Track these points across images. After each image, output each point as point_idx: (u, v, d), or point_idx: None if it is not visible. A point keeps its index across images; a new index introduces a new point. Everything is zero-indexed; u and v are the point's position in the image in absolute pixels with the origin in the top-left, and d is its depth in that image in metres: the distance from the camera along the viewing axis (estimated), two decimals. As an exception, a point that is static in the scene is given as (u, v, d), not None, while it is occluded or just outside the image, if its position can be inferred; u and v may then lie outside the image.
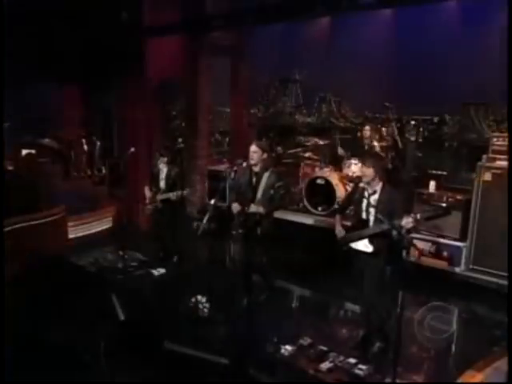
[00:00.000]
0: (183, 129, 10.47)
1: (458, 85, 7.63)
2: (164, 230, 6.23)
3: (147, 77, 7.45)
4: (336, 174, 6.80)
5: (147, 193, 6.19)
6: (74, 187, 6.87)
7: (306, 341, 4.33)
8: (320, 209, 6.74)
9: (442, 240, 5.77)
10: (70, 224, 6.63)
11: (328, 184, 6.65)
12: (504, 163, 5.22)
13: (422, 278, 5.25)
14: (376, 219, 4.05)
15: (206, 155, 8.59)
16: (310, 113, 10.10)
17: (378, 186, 4.10)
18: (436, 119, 8.47)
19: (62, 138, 6.93)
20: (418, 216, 3.74)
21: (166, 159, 6.02)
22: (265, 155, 4.85)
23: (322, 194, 6.70)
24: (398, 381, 3.64)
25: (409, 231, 3.75)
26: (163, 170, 6.10)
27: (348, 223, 4.43)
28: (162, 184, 6.10)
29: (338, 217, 4.51)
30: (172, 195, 5.84)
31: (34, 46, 6.26)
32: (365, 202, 4.15)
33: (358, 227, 4.19)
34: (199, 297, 5.12)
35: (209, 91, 8.51)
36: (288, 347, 4.17)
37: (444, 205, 5.49)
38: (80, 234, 6.93)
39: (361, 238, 4.12)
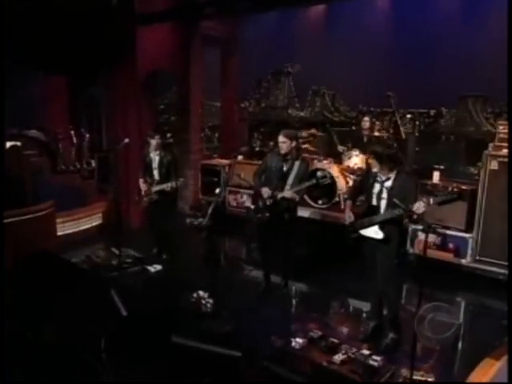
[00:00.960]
0: (171, 123, 10.44)
1: (456, 77, 7.70)
2: (159, 224, 6.16)
3: (137, 67, 7.32)
4: (336, 166, 6.81)
5: (142, 185, 6.10)
6: (62, 181, 6.72)
7: (316, 334, 4.31)
8: (320, 202, 6.74)
9: (447, 231, 5.82)
10: (58, 220, 6.48)
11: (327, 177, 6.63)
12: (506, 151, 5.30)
13: (427, 270, 5.33)
14: (388, 205, 4.07)
15: (198, 150, 8.53)
16: (304, 106, 10.09)
17: (392, 173, 4.11)
18: (433, 112, 8.60)
19: (49, 130, 6.78)
20: (431, 201, 3.77)
21: (155, 142, 5.90)
22: (294, 143, 5.00)
23: (322, 186, 6.67)
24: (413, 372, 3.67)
25: (420, 217, 3.79)
26: (155, 158, 6.02)
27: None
28: (156, 173, 6.03)
29: (348, 202, 4.54)
30: (166, 186, 5.78)
31: (15, 32, 6.07)
32: (377, 188, 4.16)
33: (369, 214, 4.20)
34: (201, 292, 5.11)
35: (200, 83, 8.48)
36: (299, 340, 4.14)
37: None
38: (69, 231, 6.78)
39: (372, 224, 4.13)
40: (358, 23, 8.82)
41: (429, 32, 7.98)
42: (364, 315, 4.90)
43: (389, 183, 4.10)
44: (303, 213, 6.67)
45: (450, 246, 5.80)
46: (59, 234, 6.56)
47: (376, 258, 4.19)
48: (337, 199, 6.62)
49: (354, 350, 4.07)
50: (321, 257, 6.43)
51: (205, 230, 7.09)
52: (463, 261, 5.71)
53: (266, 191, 5.04)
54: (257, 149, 10.01)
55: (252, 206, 7.35)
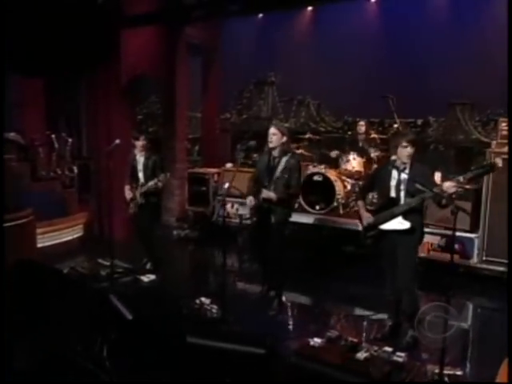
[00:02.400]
0: (152, 133, 10.36)
1: (444, 86, 7.99)
2: (144, 230, 6.04)
3: (121, 70, 7.28)
4: (333, 170, 6.90)
5: (128, 192, 5.99)
6: (42, 189, 6.52)
7: (333, 333, 4.28)
8: (318, 207, 6.78)
9: (451, 232, 5.93)
10: (38, 231, 6.26)
11: (325, 181, 6.72)
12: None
13: (433, 273, 5.43)
14: (408, 195, 4.14)
15: (183, 158, 8.48)
16: (288, 117, 10.22)
17: (408, 163, 4.21)
18: (420, 122, 8.88)
19: (29, 134, 6.58)
20: (461, 178, 3.84)
21: (141, 143, 5.83)
22: (284, 138, 4.82)
23: (319, 191, 6.76)
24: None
25: (451, 196, 3.86)
26: (140, 160, 5.94)
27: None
28: (141, 176, 5.95)
29: (360, 203, 4.57)
30: (151, 184, 5.70)
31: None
32: (394, 179, 4.23)
33: (387, 207, 4.25)
34: (203, 299, 5.04)
35: (186, 89, 8.49)
36: (317, 340, 4.09)
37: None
38: (50, 243, 6.55)
39: (393, 216, 4.18)
40: (343, 32, 9.05)
41: (416, 41, 8.29)
42: (374, 318, 4.90)
43: (406, 172, 4.19)
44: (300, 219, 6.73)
45: (456, 246, 5.91)
46: (39, 245, 6.32)
47: (397, 253, 4.22)
48: (335, 204, 6.68)
49: (376, 347, 4.05)
50: (322, 262, 6.46)
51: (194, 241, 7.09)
52: (470, 262, 5.83)
53: (249, 200, 4.91)
54: (241, 161, 10.05)
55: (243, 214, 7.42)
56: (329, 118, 9.97)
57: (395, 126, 7.21)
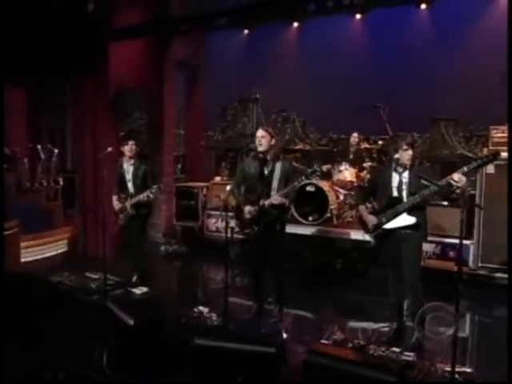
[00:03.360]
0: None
1: (428, 102, 8.27)
2: (133, 243, 6.00)
3: (109, 80, 7.33)
4: (325, 181, 7.02)
5: (116, 203, 5.96)
6: (27, 201, 6.42)
7: (339, 336, 4.30)
8: (311, 218, 6.86)
9: (446, 240, 6.10)
10: (22, 245, 6.14)
11: (318, 191, 6.83)
12: (506, 154, 5.75)
13: (429, 281, 5.54)
14: (410, 194, 4.28)
15: (171, 172, 8.50)
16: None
17: (408, 166, 4.37)
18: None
19: (12, 144, 6.50)
20: (465, 168, 3.99)
21: (129, 148, 5.80)
22: (273, 141, 4.76)
23: (312, 202, 6.85)
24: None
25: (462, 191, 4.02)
26: (128, 170, 5.91)
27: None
28: (130, 186, 5.91)
29: (362, 207, 4.68)
30: (143, 196, 5.68)
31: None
32: (396, 180, 4.37)
33: (391, 206, 4.37)
34: (201, 307, 5.00)
35: (174, 102, 8.58)
36: (324, 342, 4.11)
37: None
38: (33, 258, 6.41)
39: (397, 213, 4.30)
40: (328, 48, 9.30)
41: (400, 58, 8.60)
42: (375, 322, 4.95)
43: (406, 175, 4.35)
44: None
45: (451, 254, 6.06)
46: (22, 260, 6.20)
47: (402, 251, 4.33)
48: (328, 215, 6.77)
49: (383, 348, 4.09)
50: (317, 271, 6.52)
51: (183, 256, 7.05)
52: (465, 269, 5.95)
53: (248, 211, 4.77)
54: (225, 178, 10.11)
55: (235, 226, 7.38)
56: (314, 134, 10.17)
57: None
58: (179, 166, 11.11)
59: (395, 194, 4.38)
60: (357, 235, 6.46)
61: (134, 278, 5.97)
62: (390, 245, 4.47)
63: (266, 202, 4.69)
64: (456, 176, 3.99)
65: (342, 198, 6.97)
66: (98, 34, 6.81)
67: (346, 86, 8.89)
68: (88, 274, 6.14)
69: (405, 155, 4.36)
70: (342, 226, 6.76)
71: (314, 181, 6.90)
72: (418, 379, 3.68)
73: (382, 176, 4.54)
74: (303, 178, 4.75)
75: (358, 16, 8.95)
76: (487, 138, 6.31)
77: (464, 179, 3.98)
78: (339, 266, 6.67)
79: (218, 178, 8.33)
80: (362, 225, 4.62)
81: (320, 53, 9.35)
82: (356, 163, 7.09)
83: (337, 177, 7.02)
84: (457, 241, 5.93)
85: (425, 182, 4.04)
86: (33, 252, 6.45)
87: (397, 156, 4.37)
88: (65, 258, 6.95)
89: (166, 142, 8.38)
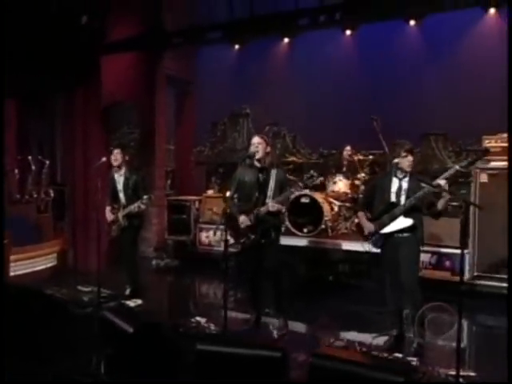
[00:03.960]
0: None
1: (417, 118, 8.44)
2: (126, 254, 5.98)
3: (101, 92, 7.38)
4: (319, 193, 7.09)
5: (109, 214, 5.95)
6: (16, 212, 6.36)
7: (340, 343, 4.34)
8: (305, 230, 6.90)
9: (442, 250, 6.19)
10: (11, 258, 6.07)
11: (313, 203, 6.89)
12: (499, 164, 5.90)
13: (426, 291, 5.59)
14: (407, 200, 4.38)
15: (162, 186, 8.51)
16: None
17: (408, 173, 4.47)
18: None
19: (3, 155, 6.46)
20: (457, 166, 4.12)
21: (119, 157, 5.82)
22: (268, 148, 4.86)
23: (306, 214, 6.90)
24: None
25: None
26: (119, 180, 5.93)
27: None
28: (122, 196, 5.92)
29: (361, 213, 4.76)
30: (133, 207, 5.69)
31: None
32: (395, 186, 4.47)
33: (388, 211, 4.45)
34: (198, 318, 5.01)
35: (165, 115, 8.65)
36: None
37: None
38: (22, 272, 6.33)
39: (393, 218, 4.38)
40: (319, 64, 9.46)
41: (390, 74, 8.78)
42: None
43: (405, 181, 4.45)
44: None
45: (446, 263, 6.14)
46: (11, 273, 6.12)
47: (399, 255, 4.39)
48: (323, 226, 6.82)
49: (386, 354, 4.13)
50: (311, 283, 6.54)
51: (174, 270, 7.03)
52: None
53: (243, 220, 4.78)
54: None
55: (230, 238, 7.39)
56: (305, 150, 10.28)
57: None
58: (168, 181, 11.13)
59: (393, 199, 4.48)
60: (351, 246, 6.55)
61: (128, 291, 5.93)
62: (387, 250, 4.55)
63: (262, 209, 4.73)
64: (440, 181, 4.14)
65: (336, 209, 7.04)
66: (91, 46, 6.87)
67: (337, 102, 9.02)
68: (80, 288, 6.11)
69: (405, 162, 4.48)
70: (336, 238, 6.81)
71: (308, 192, 6.99)
72: (424, 381, 3.73)
73: (381, 181, 4.64)
74: (300, 184, 4.82)
75: (348, 32, 9.11)
76: (479, 147, 6.45)
77: (443, 181, 4.13)
78: (332, 278, 6.73)
79: (210, 191, 8.35)
80: (360, 231, 4.69)
81: (310, 68, 9.46)
82: (350, 175, 7.19)
83: (331, 188, 7.09)
84: (453, 250, 6.15)
85: (422, 184, 4.14)
86: (22, 265, 6.37)
87: (396, 161, 4.47)
88: (54, 273, 6.86)
89: (158, 156, 8.42)
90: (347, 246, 6.59)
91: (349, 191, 7.06)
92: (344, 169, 7.44)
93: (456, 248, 6.16)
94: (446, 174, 4.22)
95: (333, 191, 7.06)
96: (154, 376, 3.66)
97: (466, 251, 6.07)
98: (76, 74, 6.89)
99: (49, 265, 6.83)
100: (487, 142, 6.17)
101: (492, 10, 7.87)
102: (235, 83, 10.31)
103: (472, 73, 8.03)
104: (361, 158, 7.29)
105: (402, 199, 4.43)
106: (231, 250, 7.36)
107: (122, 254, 5.99)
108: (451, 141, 8.78)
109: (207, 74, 10.22)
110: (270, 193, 4.79)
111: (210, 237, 7.76)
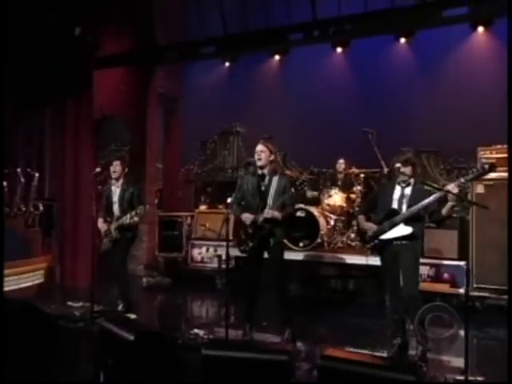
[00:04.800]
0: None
1: (408, 135, 8.63)
2: (117, 268, 5.97)
3: (93, 106, 7.45)
4: (314, 207, 7.20)
5: (101, 226, 5.96)
6: (5, 226, 6.30)
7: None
8: (301, 244, 6.97)
9: (440, 262, 6.30)
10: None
11: (308, 216, 6.98)
12: (495, 174, 6.06)
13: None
14: (408, 208, 4.49)
15: (154, 202, 8.53)
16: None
17: (412, 180, 4.61)
18: (386, 170, 9.48)
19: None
20: (462, 179, 4.23)
21: (118, 168, 5.86)
22: (272, 156, 4.97)
23: (302, 228, 6.98)
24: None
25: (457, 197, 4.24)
26: (115, 191, 5.95)
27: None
28: (116, 208, 5.93)
29: (361, 217, 4.85)
30: (125, 218, 5.70)
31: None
32: (397, 193, 4.58)
33: (388, 217, 4.56)
34: (196, 330, 5.01)
35: (157, 130, 8.73)
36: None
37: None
38: (6, 289, 6.22)
39: (393, 225, 4.48)
40: (310, 82, 9.67)
41: (381, 91, 9.02)
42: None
43: (409, 188, 4.58)
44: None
45: (445, 276, 6.24)
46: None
47: (399, 262, 4.48)
48: (319, 240, 6.90)
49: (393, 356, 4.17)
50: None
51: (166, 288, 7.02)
52: (461, 290, 6.13)
53: (246, 217, 4.89)
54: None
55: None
56: (295, 168, 10.41)
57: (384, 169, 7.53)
58: (156, 200, 11.15)
59: (394, 205, 4.58)
60: (350, 260, 6.64)
61: (120, 307, 5.89)
62: (387, 257, 4.63)
63: (261, 217, 4.83)
64: (450, 186, 4.23)
65: (332, 223, 7.13)
66: (84, 59, 6.96)
67: (328, 119, 9.19)
68: (70, 303, 6.06)
69: (401, 172, 4.62)
70: (333, 252, 6.90)
71: (303, 206, 7.09)
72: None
73: (384, 188, 4.75)
74: (292, 189, 5.05)
75: (339, 49, 9.36)
76: (475, 159, 6.61)
77: (456, 189, 4.20)
78: (326, 293, 6.78)
79: (203, 207, 8.40)
80: (361, 235, 4.78)
81: (301, 86, 9.65)
82: (345, 189, 7.31)
83: (326, 202, 7.20)
84: (451, 262, 6.26)
85: (428, 188, 4.26)
86: (8, 281, 6.26)
87: (398, 165, 4.60)
88: (41, 290, 6.78)
89: (149, 172, 8.45)
90: (346, 259, 6.67)
91: (344, 205, 7.18)
92: (339, 182, 7.57)
93: (454, 260, 6.32)
94: (454, 184, 4.27)
95: (328, 205, 7.17)
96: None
97: (464, 263, 6.20)
98: (68, 87, 6.94)
99: (36, 282, 6.74)
100: (482, 153, 6.36)
101: (481, 29, 8.23)
102: (225, 101, 10.45)
103: (462, 89, 8.31)
104: (356, 171, 7.42)
105: (404, 207, 4.54)
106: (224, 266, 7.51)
107: (113, 268, 5.96)
108: (443, 158, 9.02)
109: (196, 92, 10.37)
110: (269, 201, 4.88)
111: (203, 253, 7.77)
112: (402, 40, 8.84)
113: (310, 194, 7.65)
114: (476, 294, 6.07)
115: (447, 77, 8.62)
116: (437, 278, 6.28)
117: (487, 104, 7.88)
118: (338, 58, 9.66)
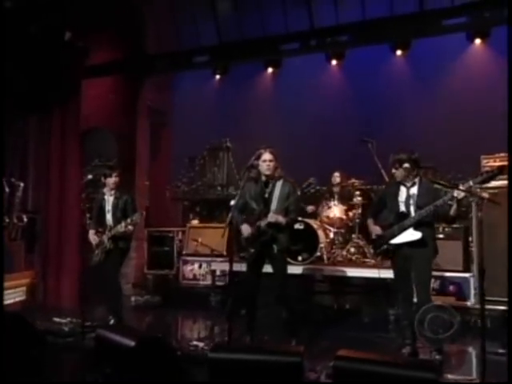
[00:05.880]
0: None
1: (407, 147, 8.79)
2: (111, 281, 5.94)
3: (80, 115, 7.49)
4: (313, 220, 7.26)
5: (93, 237, 5.96)
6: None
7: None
8: (300, 258, 7.00)
9: (445, 274, 6.38)
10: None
11: (307, 229, 7.04)
12: (498, 182, 6.21)
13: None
14: (417, 210, 4.58)
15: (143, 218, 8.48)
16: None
17: (416, 179, 4.71)
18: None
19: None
20: (471, 182, 4.34)
21: (113, 181, 5.90)
22: (277, 164, 5.07)
23: (301, 241, 7.02)
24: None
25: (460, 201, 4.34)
26: (109, 200, 5.98)
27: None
28: (109, 217, 5.94)
29: (370, 220, 4.94)
30: (120, 227, 5.72)
31: None
32: (403, 195, 4.68)
33: (398, 221, 4.64)
34: (195, 342, 5.01)
35: (146, 143, 8.77)
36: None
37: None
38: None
39: (403, 229, 4.57)
40: (303, 96, 9.82)
41: (377, 105, 9.20)
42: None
43: (415, 188, 4.68)
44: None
45: (450, 288, 6.31)
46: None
47: (411, 267, 4.56)
48: (318, 254, 6.95)
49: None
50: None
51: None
52: (468, 303, 6.20)
53: (245, 229, 4.98)
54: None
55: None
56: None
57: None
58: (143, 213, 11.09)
59: (402, 208, 4.68)
60: (350, 273, 6.70)
61: (111, 322, 5.83)
62: (398, 262, 4.72)
63: (262, 223, 4.90)
64: (455, 193, 4.35)
65: (331, 235, 7.20)
66: (73, 65, 7.03)
67: (323, 134, 9.31)
68: (56, 319, 5.99)
69: (397, 172, 4.73)
70: (333, 265, 6.95)
71: (301, 218, 7.14)
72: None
73: (389, 190, 4.86)
74: (298, 192, 5.01)
75: (334, 62, 9.56)
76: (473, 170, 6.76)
77: (462, 194, 4.34)
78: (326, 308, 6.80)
79: (195, 221, 8.41)
80: (372, 240, 4.86)
81: (294, 100, 9.79)
82: (344, 201, 7.40)
83: (325, 214, 7.27)
84: (456, 274, 6.34)
85: (439, 186, 4.37)
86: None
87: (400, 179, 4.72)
88: (23, 308, 6.67)
89: (138, 186, 8.46)
90: (347, 273, 6.72)
91: (344, 217, 7.26)
92: (336, 196, 7.66)
93: (459, 272, 6.40)
94: (463, 187, 4.37)
95: (327, 217, 7.24)
96: None
97: (469, 275, 6.29)
98: (55, 93, 6.98)
99: (17, 299, 6.64)
100: (485, 161, 6.53)
101: (478, 40, 8.53)
102: (215, 115, 10.49)
103: (459, 102, 8.53)
104: (355, 181, 7.52)
105: (412, 208, 4.63)
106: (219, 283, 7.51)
107: (105, 281, 5.93)
108: (441, 174, 9.19)
109: (185, 105, 10.43)
110: (273, 206, 4.96)
111: (195, 270, 7.75)
112: (399, 52, 9.06)
113: (309, 208, 7.72)
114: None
115: (444, 89, 8.84)
116: (442, 291, 6.34)
117: (485, 116, 8.12)
118: (332, 71, 9.81)
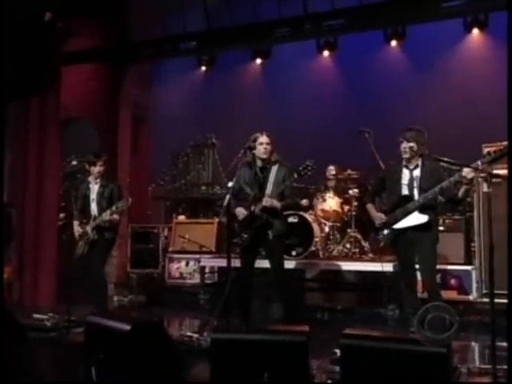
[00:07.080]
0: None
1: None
2: (96, 274, 5.97)
3: (59, 108, 7.50)
4: (307, 213, 7.36)
5: (77, 228, 5.99)
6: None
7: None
8: (294, 253, 7.09)
9: (447, 267, 6.51)
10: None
11: (302, 222, 7.14)
12: (501, 172, 6.40)
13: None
14: (421, 192, 4.71)
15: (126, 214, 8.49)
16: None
17: (419, 161, 4.84)
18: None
19: None
20: (479, 162, 4.47)
21: (97, 170, 5.94)
22: (273, 147, 5.22)
23: (295, 234, 7.11)
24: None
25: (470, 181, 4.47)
26: (93, 189, 6.02)
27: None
28: (94, 207, 5.97)
29: (369, 205, 5.06)
30: (105, 215, 5.76)
31: None
32: (406, 177, 4.81)
33: (401, 205, 4.77)
34: (189, 333, 5.07)
35: (128, 134, 8.79)
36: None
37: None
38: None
39: (407, 213, 4.69)
40: (293, 88, 9.93)
41: (370, 95, 9.35)
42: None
43: (418, 170, 4.81)
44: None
45: (452, 282, 6.45)
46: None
47: (416, 253, 4.69)
48: (313, 248, 7.05)
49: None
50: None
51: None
52: (470, 297, 6.34)
53: (239, 211, 5.15)
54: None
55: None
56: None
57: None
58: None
59: (405, 191, 4.80)
60: (347, 267, 6.82)
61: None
62: (401, 248, 4.83)
63: (257, 207, 5.03)
64: (465, 170, 4.46)
65: (327, 229, 7.30)
66: (53, 49, 7.05)
67: (316, 127, 9.43)
68: (36, 316, 5.98)
69: (401, 149, 4.85)
70: (328, 259, 7.05)
71: (295, 212, 7.24)
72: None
73: (391, 172, 4.97)
74: (295, 175, 5.07)
75: (326, 53, 9.71)
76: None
77: (472, 174, 4.47)
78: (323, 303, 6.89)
79: (181, 217, 8.45)
80: (371, 225, 4.97)
81: (284, 92, 9.89)
82: (339, 194, 7.51)
83: (321, 206, 7.35)
84: (458, 267, 6.49)
85: (445, 165, 4.50)
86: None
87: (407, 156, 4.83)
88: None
89: (120, 177, 8.47)
90: (342, 266, 6.83)
91: (340, 210, 7.36)
92: (331, 189, 7.77)
93: (461, 265, 6.55)
94: (470, 168, 4.48)
95: (322, 210, 7.34)
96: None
97: (471, 267, 6.44)
98: (34, 79, 6.99)
99: (-7, 296, 6.61)
100: (487, 150, 6.70)
101: (475, 30, 8.76)
102: (199, 110, 10.54)
103: (456, 92, 8.74)
104: (351, 172, 7.64)
105: (415, 192, 4.75)
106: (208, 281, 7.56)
107: (90, 274, 5.94)
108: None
109: (167, 99, 10.51)
110: (268, 190, 5.09)
111: (182, 268, 7.79)
112: (393, 42, 9.25)
113: (304, 201, 7.80)
114: (487, 300, 6.28)
115: (440, 80, 9.01)
116: (443, 285, 6.44)
117: (483, 105, 8.33)
118: (324, 62, 9.92)
